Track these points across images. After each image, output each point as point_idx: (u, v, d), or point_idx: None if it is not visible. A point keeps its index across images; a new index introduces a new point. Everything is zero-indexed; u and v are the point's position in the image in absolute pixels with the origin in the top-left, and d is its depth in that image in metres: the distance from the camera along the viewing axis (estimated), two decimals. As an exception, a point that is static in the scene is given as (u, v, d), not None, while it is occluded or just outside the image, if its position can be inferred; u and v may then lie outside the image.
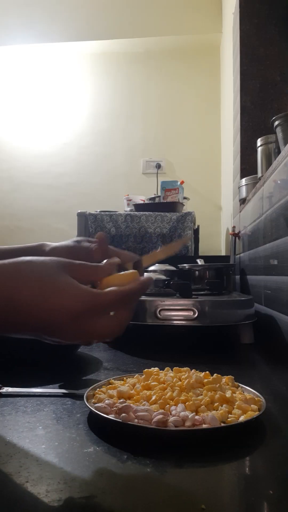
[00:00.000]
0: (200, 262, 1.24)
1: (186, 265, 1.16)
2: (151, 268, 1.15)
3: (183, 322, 0.87)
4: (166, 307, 0.88)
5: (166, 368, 0.57)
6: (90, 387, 0.50)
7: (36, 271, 0.36)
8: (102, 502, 0.29)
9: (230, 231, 1.78)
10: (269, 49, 1.58)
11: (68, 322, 0.35)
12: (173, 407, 0.43)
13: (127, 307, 0.38)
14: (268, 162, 1.23)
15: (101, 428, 0.42)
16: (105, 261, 0.43)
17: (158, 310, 0.88)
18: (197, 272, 1.12)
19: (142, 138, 2.87)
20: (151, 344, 0.97)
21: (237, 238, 1.65)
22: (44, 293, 0.35)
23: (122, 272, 0.42)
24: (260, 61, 1.59)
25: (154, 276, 1.08)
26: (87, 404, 0.45)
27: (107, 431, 0.42)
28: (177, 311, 0.88)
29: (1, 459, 0.36)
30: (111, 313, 0.38)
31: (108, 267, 0.41)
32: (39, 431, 0.42)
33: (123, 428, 0.40)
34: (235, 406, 0.44)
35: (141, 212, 1.97)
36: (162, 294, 1.01)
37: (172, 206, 2.02)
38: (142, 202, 2.24)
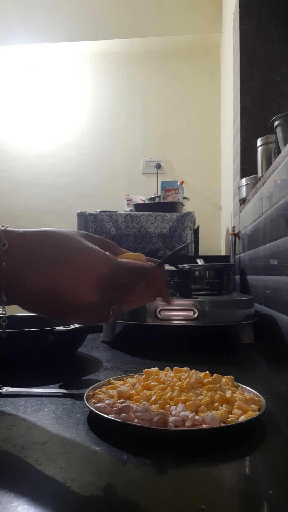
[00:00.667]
0: (200, 262, 1.24)
1: (186, 265, 1.16)
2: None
3: (183, 322, 0.87)
4: (166, 307, 0.88)
5: (166, 368, 0.57)
6: (90, 387, 0.50)
7: (63, 236, 0.38)
8: (102, 502, 0.29)
9: (230, 231, 1.78)
10: (269, 49, 1.58)
11: (93, 283, 0.36)
12: (173, 407, 0.43)
13: (139, 282, 0.40)
14: (268, 162, 1.23)
15: (101, 428, 0.42)
16: None
17: (158, 310, 0.88)
18: (197, 272, 1.12)
19: (142, 138, 2.87)
20: (151, 344, 0.97)
21: (237, 238, 1.65)
22: (73, 254, 0.36)
23: (130, 253, 0.44)
24: (260, 61, 1.59)
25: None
26: (87, 404, 0.45)
27: (107, 431, 0.42)
28: (177, 311, 0.88)
29: (1, 459, 0.36)
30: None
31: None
32: (39, 431, 0.42)
33: (123, 428, 0.40)
34: (235, 406, 0.44)
35: (141, 212, 1.97)
36: (162, 294, 1.01)
37: (172, 206, 2.02)
38: (142, 202, 2.24)
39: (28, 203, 2.88)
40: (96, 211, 2.05)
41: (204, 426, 0.40)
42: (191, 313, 0.87)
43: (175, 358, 0.78)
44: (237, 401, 0.45)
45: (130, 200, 2.26)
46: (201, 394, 0.47)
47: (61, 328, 0.69)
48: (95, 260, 0.37)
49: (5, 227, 0.37)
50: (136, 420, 0.40)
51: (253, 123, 1.59)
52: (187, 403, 0.44)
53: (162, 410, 0.42)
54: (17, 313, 0.99)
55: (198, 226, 2.23)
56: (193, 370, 0.55)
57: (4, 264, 0.35)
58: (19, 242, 0.36)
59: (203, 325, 0.87)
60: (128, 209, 2.23)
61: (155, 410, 0.42)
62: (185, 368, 0.56)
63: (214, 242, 2.72)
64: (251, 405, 0.44)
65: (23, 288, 0.36)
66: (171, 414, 0.42)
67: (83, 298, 0.36)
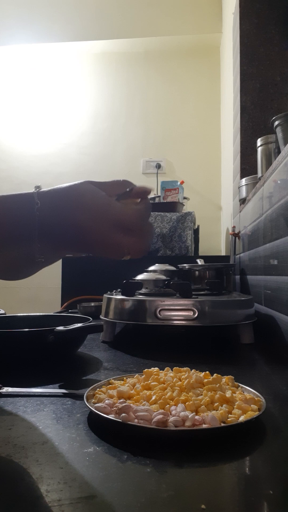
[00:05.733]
0: (200, 262, 1.24)
1: (186, 265, 1.16)
2: (151, 268, 1.15)
3: (183, 322, 0.87)
4: (166, 307, 0.88)
5: (166, 368, 0.57)
6: (90, 387, 0.50)
7: (81, 190, 0.46)
8: (102, 502, 0.29)
9: (230, 231, 1.78)
10: (269, 49, 1.58)
11: (107, 224, 0.43)
12: (173, 407, 0.43)
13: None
14: (268, 162, 1.23)
15: (101, 428, 0.42)
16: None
17: (158, 310, 0.88)
18: (197, 272, 1.12)
19: (142, 138, 2.87)
20: (151, 344, 0.97)
21: (237, 238, 1.65)
22: (90, 203, 0.45)
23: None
24: (260, 61, 1.59)
25: (154, 276, 1.08)
26: (87, 404, 0.45)
27: (107, 431, 0.42)
28: (177, 311, 0.88)
29: (1, 459, 0.36)
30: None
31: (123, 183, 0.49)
32: (39, 431, 0.42)
33: (123, 428, 0.40)
34: (235, 406, 0.44)
35: (141, 212, 1.97)
36: (162, 294, 1.01)
37: (172, 206, 2.02)
38: (142, 202, 2.23)
39: (28, 203, 2.88)
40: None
41: (204, 426, 0.40)
42: (191, 313, 0.87)
43: (175, 358, 0.78)
44: (237, 401, 0.45)
45: (130, 200, 2.25)
46: (201, 394, 0.47)
47: (61, 328, 0.69)
48: (102, 204, 0.44)
49: (38, 189, 0.45)
50: (136, 420, 0.40)
51: (253, 123, 1.59)
52: (187, 403, 0.44)
53: (162, 410, 0.42)
54: (17, 313, 0.99)
55: (198, 226, 2.23)
56: (193, 370, 0.55)
57: (37, 219, 0.42)
58: (48, 200, 0.44)
59: (203, 325, 0.87)
60: (128, 209, 2.23)
61: (155, 410, 0.42)
62: (185, 368, 0.56)
63: (214, 242, 2.72)
64: (251, 405, 0.44)
65: (54, 234, 0.43)
66: (171, 414, 0.42)
67: (102, 236, 0.44)
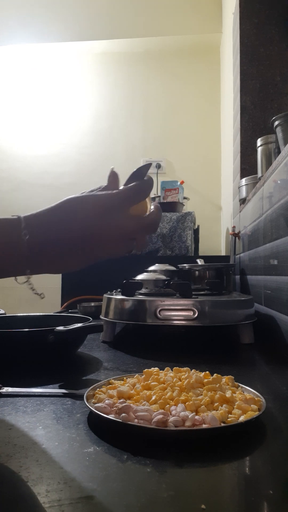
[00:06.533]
0: (200, 262, 1.24)
1: (186, 265, 1.16)
2: (151, 268, 1.15)
3: (183, 322, 0.87)
4: (166, 307, 0.88)
5: (166, 368, 0.57)
6: (90, 387, 0.50)
7: (70, 210, 0.44)
8: (102, 502, 0.29)
9: (230, 231, 1.78)
10: (269, 49, 1.58)
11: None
12: (173, 407, 0.43)
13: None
14: (268, 162, 1.23)
15: (101, 428, 0.42)
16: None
17: (158, 310, 0.88)
18: (197, 272, 1.12)
19: (142, 138, 2.86)
20: (151, 344, 0.97)
21: (237, 238, 1.65)
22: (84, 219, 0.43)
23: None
24: (260, 61, 1.59)
25: (154, 276, 1.08)
26: (87, 404, 0.45)
27: (107, 431, 0.42)
28: (177, 311, 0.88)
29: (1, 459, 0.36)
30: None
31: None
32: (39, 431, 0.42)
33: (123, 428, 0.40)
34: (235, 406, 0.44)
35: (141, 212, 1.97)
36: (162, 294, 1.01)
37: (172, 206, 2.02)
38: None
39: (28, 203, 2.88)
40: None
41: (204, 426, 0.40)
42: (191, 313, 0.87)
43: (175, 358, 0.78)
44: (237, 401, 0.45)
45: (130, 200, 2.25)
46: (201, 394, 0.47)
47: (61, 328, 0.69)
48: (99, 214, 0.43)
49: (21, 219, 0.42)
50: (136, 420, 0.40)
51: (253, 123, 1.59)
52: (187, 403, 0.44)
53: (162, 410, 0.42)
54: (17, 313, 0.99)
55: (198, 226, 2.23)
56: (193, 370, 0.55)
57: (26, 245, 0.41)
58: (36, 225, 0.42)
59: (203, 325, 0.87)
60: (128, 209, 2.23)
61: (155, 410, 0.42)
62: (185, 368, 0.56)
63: (214, 242, 2.71)
64: (251, 405, 0.44)
65: (46, 260, 0.43)
66: (171, 414, 0.42)
67: (104, 249, 0.44)
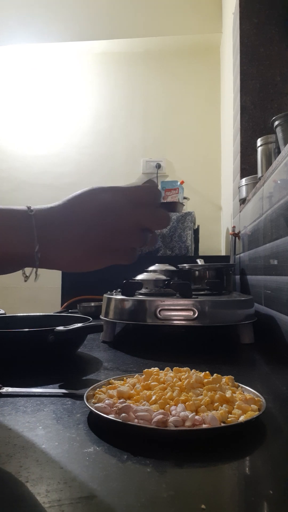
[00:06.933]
0: (200, 262, 1.24)
1: (186, 265, 1.16)
2: (151, 268, 1.15)
3: (183, 322, 0.87)
4: (166, 307, 0.88)
5: (166, 368, 0.57)
6: (90, 387, 0.50)
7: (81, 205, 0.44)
8: (102, 502, 0.29)
9: (230, 231, 1.78)
10: (269, 49, 1.58)
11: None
12: (173, 407, 0.43)
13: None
14: (268, 162, 1.23)
15: (101, 428, 0.42)
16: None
17: (158, 310, 0.88)
18: (197, 272, 1.12)
19: (142, 138, 2.86)
20: (151, 344, 0.97)
21: (237, 238, 1.65)
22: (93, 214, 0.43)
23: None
24: (260, 61, 1.59)
25: (154, 276, 1.08)
26: (87, 404, 0.45)
27: (107, 431, 0.42)
28: (177, 311, 0.88)
29: (1, 459, 0.36)
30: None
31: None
32: (39, 431, 0.42)
33: (123, 428, 0.40)
34: (235, 406, 0.44)
35: (141, 212, 1.97)
36: (162, 294, 1.01)
37: (172, 206, 2.02)
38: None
39: (28, 203, 2.82)
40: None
41: (204, 426, 0.40)
42: (191, 313, 0.87)
43: (175, 358, 0.78)
44: (237, 401, 0.45)
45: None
46: (201, 394, 0.47)
47: (61, 328, 0.69)
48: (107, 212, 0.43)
49: (33, 211, 0.43)
50: (136, 420, 0.40)
51: (253, 123, 1.59)
52: (187, 403, 0.44)
53: (162, 410, 0.42)
54: (17, 313, 0.99)
55: (198, 226, 2.23)
56: (193, 370, 0.55)
57: (37, 242, 0.42)
58: (47, 222, 0.43)
59: (203, 325, 0.87)
60: (128, 209, 2.22)
61: (155, 410, 0.42)
62: (185, 368, 0.56)
63: (214, 242, 2.71)
64: (251, 405, 0.44)
65: (58, 254, 0.43)
66: (171, 414, 0.42)
67: (114, 243, 0.43)
